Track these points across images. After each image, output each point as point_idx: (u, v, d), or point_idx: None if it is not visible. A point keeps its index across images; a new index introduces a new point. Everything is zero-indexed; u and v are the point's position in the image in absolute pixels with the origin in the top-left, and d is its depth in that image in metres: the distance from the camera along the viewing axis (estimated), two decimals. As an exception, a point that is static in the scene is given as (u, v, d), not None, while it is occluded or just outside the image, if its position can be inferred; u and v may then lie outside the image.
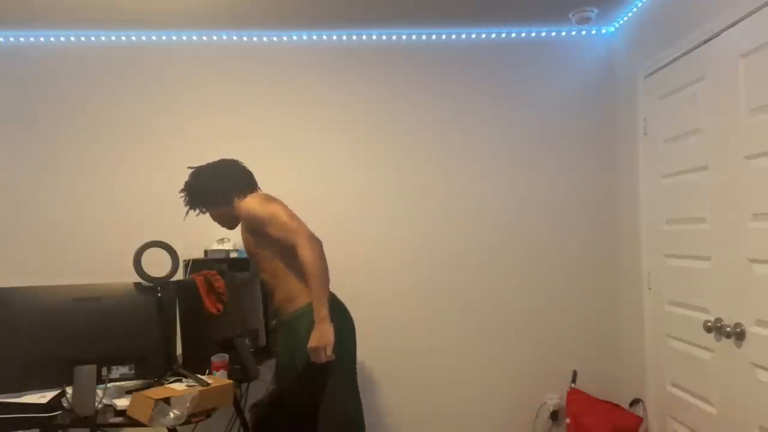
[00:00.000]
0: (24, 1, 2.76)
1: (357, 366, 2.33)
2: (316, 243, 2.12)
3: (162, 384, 2.11)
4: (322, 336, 2.06)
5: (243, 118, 3.23)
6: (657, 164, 2.78)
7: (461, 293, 3.26)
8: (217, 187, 2.35)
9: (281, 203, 2.25)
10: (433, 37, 3.27)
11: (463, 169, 3.27)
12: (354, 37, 3.26)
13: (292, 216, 2.19)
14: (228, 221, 2.43)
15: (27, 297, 2.15)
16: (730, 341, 2.19)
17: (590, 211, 3.27)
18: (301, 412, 2.21)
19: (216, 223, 2.47)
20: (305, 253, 2.09)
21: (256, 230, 2.24)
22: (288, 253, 2.20)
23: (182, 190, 2.40)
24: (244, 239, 2.34)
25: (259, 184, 3.23)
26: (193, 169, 2.41)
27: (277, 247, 2.22)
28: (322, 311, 2.08)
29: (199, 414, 1.98)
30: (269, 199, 2.26)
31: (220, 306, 2.40)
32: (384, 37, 3.26)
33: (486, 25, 3.19)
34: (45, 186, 3.18)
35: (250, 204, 2.25)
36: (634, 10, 2.99)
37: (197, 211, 2.43)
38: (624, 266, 3.20)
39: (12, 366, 2.07)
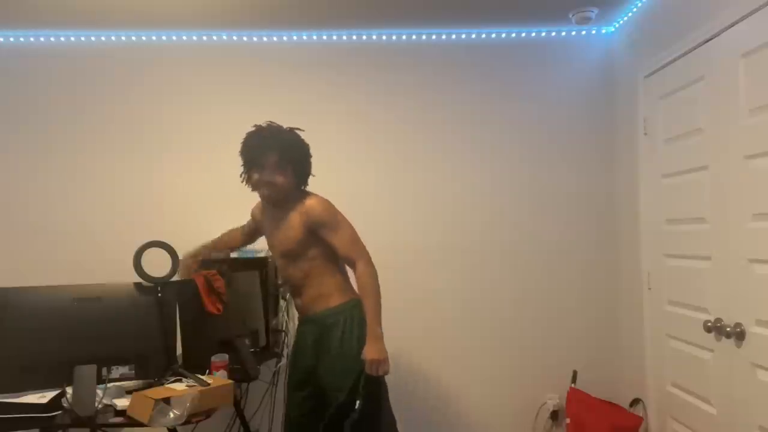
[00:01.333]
0: (24, 1, 2.75)
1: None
2: (374, 267, 2.25)
3: (162, 384, 2.11)
4: (381, 351, 2.17)
5: (244, 118, 3.21)
6: (657, 164, 2.78)
7: (460, 293, 3.26)
8: (309, 166, 2.37)
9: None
10: (433, 37, 3.26)
11: (461, 169, 3.27)
12: (354, 37, 3.26)
13: (357, 234, 2.30)
14: (277, 194, 2.30)
15: (27, 297, 2.15)
16: (730, 341, 2.19)
17: (590, 211, 3.27)
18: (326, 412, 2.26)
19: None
20: (366, 275, 2.22)
21: (315, 230, 2.25)
22: (330, 256, 2.28)
23: (287, 147, 2.27)
24: (293, 234, 2.26)
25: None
26: (294, 131, 2.32)
27: (324, 249, 2.27)
28: (378, 329, 2.19)
29: (199, 414, 1.98)
30: (334, 206, 2.32)
31: (220, 306, 2.40)
32: (384, 37, 3.26)
33: (486, 25, 3.19)
34: (45, 186, 3.18)
35: (322, 203, 2.28)
36: (634, 10, 2.99)
37: (256, 172, 2.28)
38: (624, 266, 3.19)
39: (12, 366, 2.07)
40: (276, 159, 2.25)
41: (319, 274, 2.31)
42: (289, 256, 2.33)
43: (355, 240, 2.28)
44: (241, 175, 2.37)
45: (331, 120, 3.26)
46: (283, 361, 3.13)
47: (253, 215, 2.59)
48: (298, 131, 2.34)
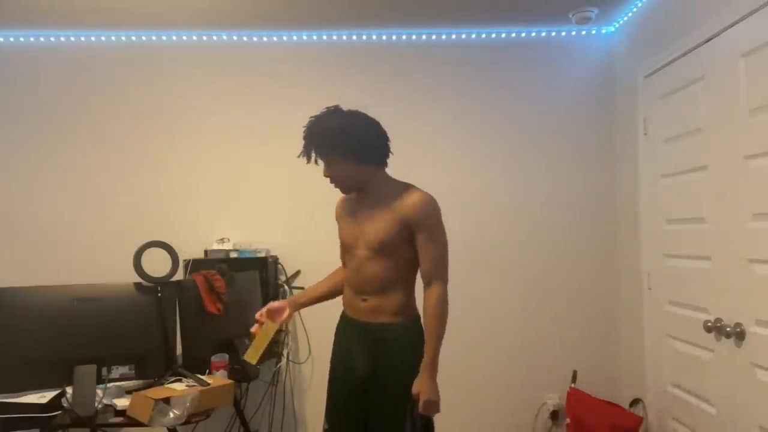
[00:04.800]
0: (24, 1, 2.75)
1: None
2: (447, 295, 2.00)
3: (162, 384, 2.11)
4: (437, 392, 1.95)
5: (245, 118, 3.23)
6: (657, 164, 2.78)
7: (460, 293, 3.24)
8: (371, 142, 2.05)
9: None
10: (433, 37, 3.26)
11: (461, 168, 3.27)
12: (354, 38, 3.26)
13: (447, 252, 2.04)
14: (343, 185, 2.08)
15: (27, 297, 2.15)
16: (730, 341, 2.19)
17: (590, 211, 3.27)
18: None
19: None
20: (441, 301, 1.96)
21: (412, 228, 1.98)
22: (412, 268, 2.04)
23: (320, 137, 2.01)
24: (384, 225, 1.99)
25: (266, 185, 3.25)
26: (337, 110, 2.07)
27: (411, 256, 2.01)
28: (436, 365, 1.96)
29: (199, 414, 1.99)
30: (438, 209, 2.05)
31: (220, 306, 2.40)
32: (384, 38, 3.26)
33: (486, 25, 3.19)
34: (45, 186, 3.18)
35: (424, 203, 1.99)
36: (634, 10, 2.99)
37: (317, 158, 2.04)
38: (624, 266, 3.19)
39: (12, 366, 2.07)
40: (319, 152, 2.01)
41: (393, 283, 2.01)
42: (376, 249, 2.00)
43: (445, 259, 2.00)
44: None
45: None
46: (283, 361, 3.13)
47: (337, 219, 2.24)
48: (351, 112, 2.08)
